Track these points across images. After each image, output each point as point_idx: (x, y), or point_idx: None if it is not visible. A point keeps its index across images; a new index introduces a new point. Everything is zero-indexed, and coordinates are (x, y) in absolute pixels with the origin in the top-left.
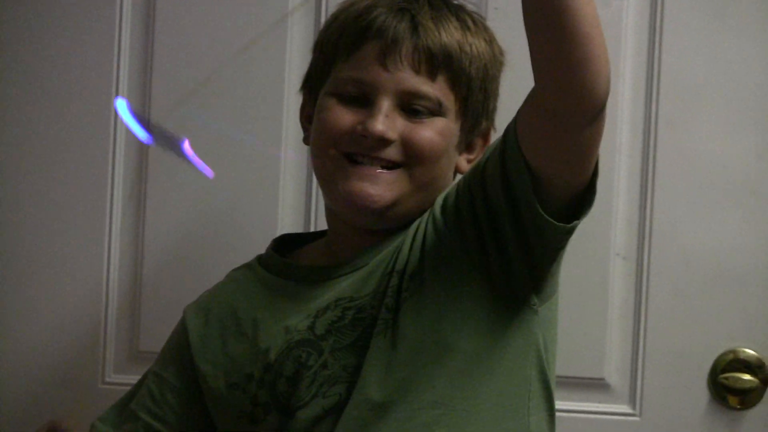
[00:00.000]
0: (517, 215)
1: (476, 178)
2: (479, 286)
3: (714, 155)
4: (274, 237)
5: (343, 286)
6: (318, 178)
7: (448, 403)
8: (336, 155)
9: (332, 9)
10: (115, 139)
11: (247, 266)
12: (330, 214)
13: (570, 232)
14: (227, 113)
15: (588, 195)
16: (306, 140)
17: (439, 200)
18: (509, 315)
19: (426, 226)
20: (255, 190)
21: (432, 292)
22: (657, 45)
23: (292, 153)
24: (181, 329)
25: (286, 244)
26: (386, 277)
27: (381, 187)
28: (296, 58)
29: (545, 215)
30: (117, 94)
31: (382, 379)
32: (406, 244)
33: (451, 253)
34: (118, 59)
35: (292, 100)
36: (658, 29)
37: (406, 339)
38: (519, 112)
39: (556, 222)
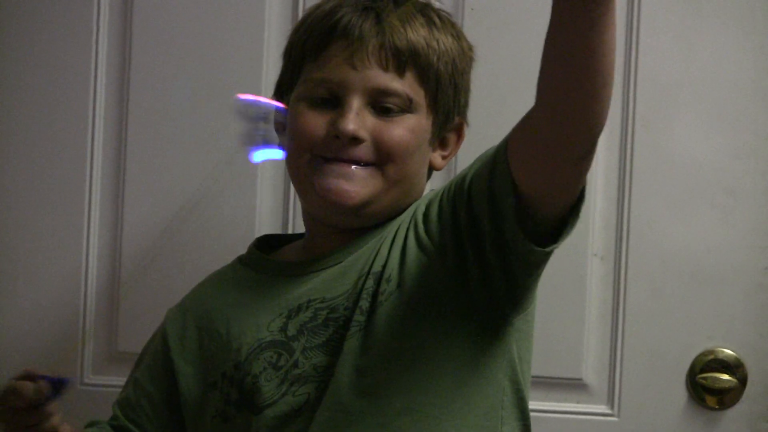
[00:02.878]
0: (499, 233)
1: (460, 192)
2: (455, 296)
3: (690, 155)
4: (251, 238)
5: (315, 284)
6: (294, 183)
7: (420, 410)
8: (310, 159)
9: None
10: (93, 139)
11: (228, 266)
12: (306, 215)
13: (548, 254)
14: (204, 113)
15: (570, 218)
16: (280, 146)
17: (422, 206)
18: (483, 325)
19: (407, 231)
20: (233, 191)
21: (407, 298)
22: (634, 45)
23: None
24: (161, 333)
25: (269, 244)
26: (362, 279)
27: (356, 183)
28: (273, 59)
29: (525, 238)
30: (95, 90)
31: (354, 382)
32: (385, 245)
33: (429, 261)
34: (96, 57)
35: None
36: (635, 29)
37: (378, 343)
38: (512, 135)
39: (534, 246)
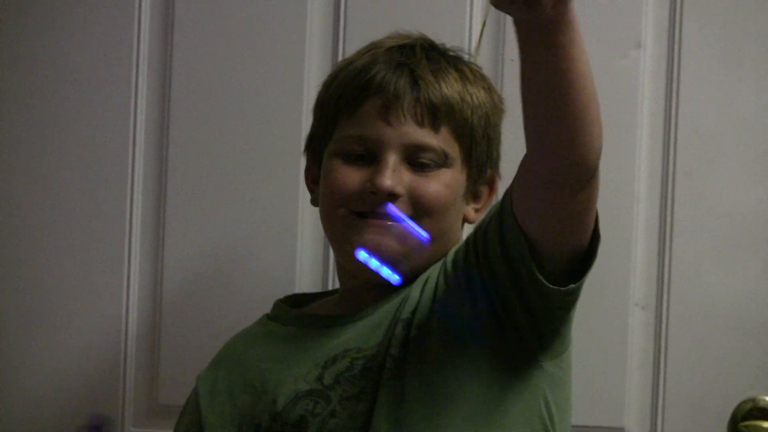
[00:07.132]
0: (517, 277)
1: (479, 239)
2: (485, 338)
3: (732, 204)
4: (292, 290)
5: (351, 336)
6: (330, 239)
7: None
8: (346, 214)
9: (348, 50)
10: (132, 188)
11: (255, 323)
12: (341, 271)
13: (568, 294)
14: (245, 158)
15: (588, 259)
16: (314, 202)
17: (451, 254)
18: (514, 368)
19: (437, 278)
20: (273, 242)
21: (438, 343)
22: (674, 95)
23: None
24: (193, 397)
25: (296, 302)
26: (391, 327)
27: (393, 239)
28: (312, 98)
29: (540, 278)
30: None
31: (390, 430)
32: (414, 294)
33: (459, 306)
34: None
35: None
36: (675, 79)
37: (413, 390)
38: (514, 178)
39: (551, 285)
